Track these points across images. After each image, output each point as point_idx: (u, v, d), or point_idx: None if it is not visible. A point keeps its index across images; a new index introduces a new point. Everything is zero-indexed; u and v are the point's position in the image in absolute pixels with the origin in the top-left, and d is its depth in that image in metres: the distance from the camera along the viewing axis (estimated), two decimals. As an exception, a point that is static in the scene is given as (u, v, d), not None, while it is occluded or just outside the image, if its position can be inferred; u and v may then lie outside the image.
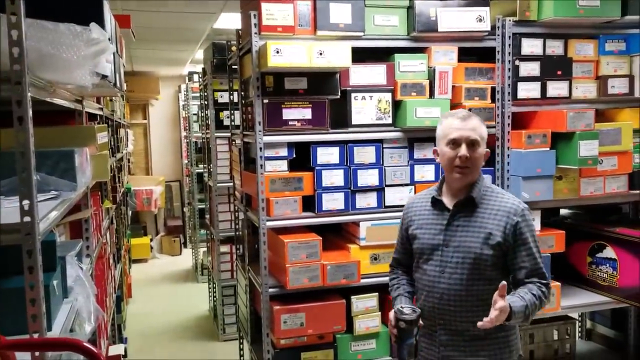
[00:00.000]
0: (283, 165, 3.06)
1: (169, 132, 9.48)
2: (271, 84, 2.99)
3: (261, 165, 2.97)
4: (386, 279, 2.44)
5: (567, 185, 3.43)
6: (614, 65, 3.51)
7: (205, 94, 5.36)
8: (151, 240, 8.57)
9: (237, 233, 3.97)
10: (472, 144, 2.03)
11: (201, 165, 6.44)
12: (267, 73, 2.98)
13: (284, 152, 3.05)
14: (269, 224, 3.00)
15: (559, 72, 3.39)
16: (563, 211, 4.28)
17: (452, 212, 2.09)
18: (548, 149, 3.33)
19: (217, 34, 5.60)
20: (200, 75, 5.86)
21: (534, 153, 3.30)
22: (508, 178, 3.38)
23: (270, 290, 3.03)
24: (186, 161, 8.26)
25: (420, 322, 2.03)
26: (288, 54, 2.78)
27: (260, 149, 2.96)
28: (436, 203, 2.15)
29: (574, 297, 3.63)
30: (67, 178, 2.04)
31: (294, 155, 3.09)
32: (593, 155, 3.29)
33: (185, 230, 8.83)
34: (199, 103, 6.36)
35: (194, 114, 7.11)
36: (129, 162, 8.11)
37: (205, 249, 6.41)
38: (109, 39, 1.86)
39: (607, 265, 3.61)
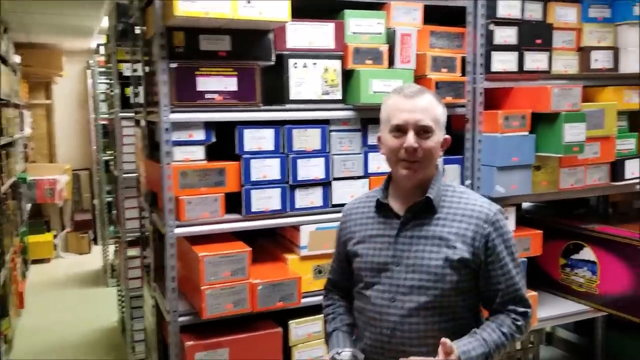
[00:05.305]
0: (199, 152, 2.32)
1: (77, 113, 8.41)
2: (181, 42, 2.23)
3: (168, 153, 2.21)
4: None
5: (546, 176, 2.88)
6: (597, 35, 2.99)
7: (111, 66, 4.48)
8: (55, 236, 7.54)
9: (144, 234, 3.16)
10: (422, 130, 1.57)
11: (109, 152, 5.54)
12: (175, 28, 2.22)
13: (199, 134, 2.30)
14: (179, 231, 2.25)
15: (538, 41, 2.82)
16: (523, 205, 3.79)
17: (403, 220, 1.63)
18: (527, 133, 2.76)
19: (125, -6, 4.71)
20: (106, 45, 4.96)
21: (511, 138, 2.72)
22: (479, 168, 2.79)
23: (182, 318, 2.28)
24: (95, 147, 7.29)
25: None
26: (202, 0, 2.03)
27: (166, 130, 2.19)
28: (382, 208, 1.68)
29: (547, 306, 3.12)
30: None
31: (214, 140, 2.36)
32: (580, 140, 2.75)
33: (96, 225, 7.85)
34: (106, 79, 5.45)
35: (102, 92, 6.15)
36: (25, 147, 7.04)
37: (116, 248, 5.55)
38: None
39: (585, 268, 3.11)
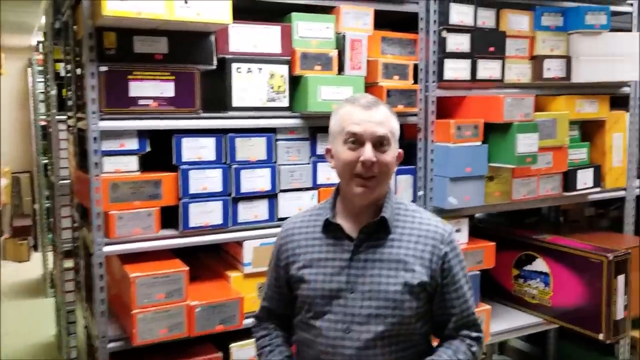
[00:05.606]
0: (131, 163, 2.14)
1: (17, 113, 8.03)
2: (113, 44, 2.05)
3: (96, 164, 2.02)
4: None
5: (499, 187, 2.81)
6: (550, 44, 2.94)
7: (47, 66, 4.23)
8: (-8, 243, 7.16)
9: (76, 247, 2.94)
10: (380, 142, 1.46)
11: (48, 155, 5.23)
12: (106, 28, 2.04)
13: (132, 144, 2.12)
14: (109, 249, 2.06)
15: (491, 49, 2.75)
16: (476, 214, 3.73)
17: (356, 242, 1.50)
18: (480, 143, 2.68)
19: (64, -10, 4.45)
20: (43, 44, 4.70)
21: (463, 148, 2.64)
22: (432, 179, 2.70)
23: (112, 344, 2.09)
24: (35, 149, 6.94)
25: None
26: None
27: (95, 139, 2.01)
28: (330, 228, 1.54)
29: (500, 318, 3.05)
30: None
31: (149, 149, 2.19)
32: (532, 151, 2.69)
33: (37, 231, 7.47)
34: (44, 78, 5.16)
35: (41, 92, 5.83)
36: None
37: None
38: None
39: (538, 279, 3.07)
